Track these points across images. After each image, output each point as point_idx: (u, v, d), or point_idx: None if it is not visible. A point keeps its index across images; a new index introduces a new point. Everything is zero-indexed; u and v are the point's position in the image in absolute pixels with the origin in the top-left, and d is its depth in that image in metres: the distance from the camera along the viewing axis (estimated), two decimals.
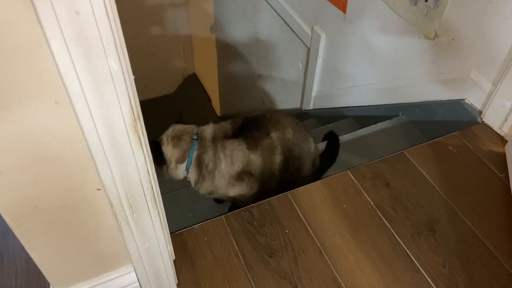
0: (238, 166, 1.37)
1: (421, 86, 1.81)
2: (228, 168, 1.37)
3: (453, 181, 1.36)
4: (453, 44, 1.59)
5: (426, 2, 1.63)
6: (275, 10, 2.77)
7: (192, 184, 1.44)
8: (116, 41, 0.60)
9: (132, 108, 0.68)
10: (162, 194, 1.71)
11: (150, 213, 0.86)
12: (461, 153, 1.44)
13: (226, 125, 1.44)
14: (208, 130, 1.42)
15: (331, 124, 2.30)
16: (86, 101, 0.62)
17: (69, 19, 0.54)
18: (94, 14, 0.55)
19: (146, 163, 0.77)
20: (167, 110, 5.14)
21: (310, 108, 2.74)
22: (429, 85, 1.77)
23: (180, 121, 1.56)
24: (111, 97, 0.64)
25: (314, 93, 2.64)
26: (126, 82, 0.64)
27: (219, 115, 4.99)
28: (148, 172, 0.79)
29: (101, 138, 0.67)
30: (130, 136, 0.70)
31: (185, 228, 1.25)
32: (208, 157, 1.37)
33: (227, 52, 4.13)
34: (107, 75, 0.61)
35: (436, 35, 1.63)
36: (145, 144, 0.75)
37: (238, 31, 3.69)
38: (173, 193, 1.71)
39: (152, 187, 0.82)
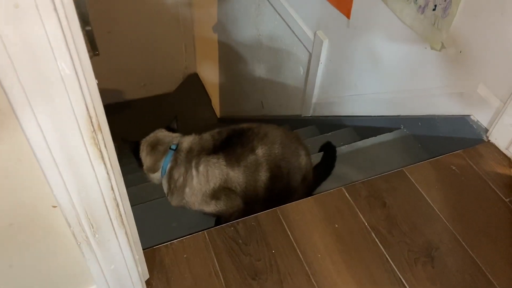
0: (214, 183, 1.28)
1: (425, 99, 1.72)
2: (201, 186, 1.29)
3: (455, 204, 1.27)
4: (460, 56, 1.50)
5: (434, 11, 1.54)
6: (278, 13, 2.68)
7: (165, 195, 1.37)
8: (68, 41, 0.51)
9: (90, 118, 0.59)
10: (147, 200, 1.64)
11: (115, 233, 0.77)
12: (465, 174, 1.34)
13: (207, 138, 1.35)
14: (187, 142, 1.34)
15: (329, 133, 2.21)
16: (32, 110, 0.53)
17: (6, 13, 0.45)
18: (37, 8, 0.46)
19: (109, 179, 0.68)
20: (166, 108, 5.06)
21: (310, 115, 2.65)
22: (434, 98, 1.67)
23: (173, 124, 1.47)
24: (62, 106, 0.55)
25: (314, 100, 2.55)
26: (82, 88, 0.55)
27: (218, 116, 4.91)
28: (112, 189, 0.70)
29: (52, 152, 0.58)
30: (88, 149, 0.62)
31: (163, 243, 1.16)
32: (179, 172, 1.30)
33: (228, 53, 4.05)
34: (57, 80, 0.52)
35: (443, 46, 1.54)
36: (109, 158, 0.67)
37: (240, 33, 3.61)
38: (160, 200, 1.62)
39: (117, 204, 0.73)
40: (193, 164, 1.28)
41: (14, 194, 0.65)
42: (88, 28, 2.78)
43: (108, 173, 0.67)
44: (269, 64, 3.16)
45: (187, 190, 1.29)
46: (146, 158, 1.35)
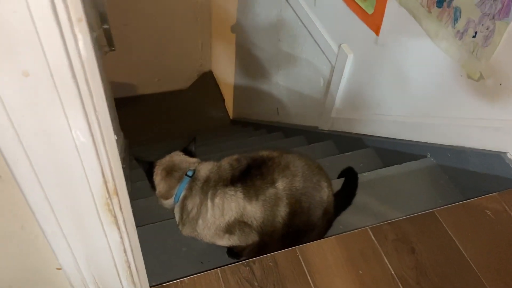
0: (229, 217, 1.20)
1: (456, 128, 1.62)
2: (215, 218, 1.20)
3: (488, 253, 1.18)
4: (500, 89, 1.39)
5: (474, 38, 1.44)
6: (301, 20, 2.58)
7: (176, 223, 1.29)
8: (85, 104, 0.43)
9: (106, 183, 0.51)
10: (157, 221, 1.56)
11: None
12: (500, 220, 1.25)
13: (226, 167, 1.26)
14: (204, 170, 1.26)
15: (349, 153, 2.12)
16: (37, 180, 0.45)
17: (14, 82, 0.37)
18: (51, 74, 0.38)
19: (122, 242, 0.60)
20: (179, 105, 5.00)
21: (328, 129, 2.55)
22: (466, 129, 1.57)
23: (191, 147, 1.38)
24: (75, 175, 0.47)
25: (333, 114, 2.45)
26: (99, 155, 0.47)
27: (231, 117, 4.83)
28: (125, 251, 0.62)
29: (60, 221, 0.50)
30: (101, 216, 0.54)
31: (173, 280, 1.08)
32: (193, 202, 1.22)
33: (246, 54, 3.95)
34: (70, 149, 0.44)
35: (481, 76, 1.44)
36: (124, 221, 0.58)
37: (259, 36, 3.51)
38: (171, 221, 1.55)
39: (129, 266, 0.65)
40: (209, 195, 1.20)
41: (17, 258, 0.57)
42: (105, 26, 2.71)
43: (121, 237, 0.59)
44: (288, 71, 3.07)
45: (200, 222, 1.21)
46: (159, 183, 1.26)
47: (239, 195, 1.18)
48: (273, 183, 1.19)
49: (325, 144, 2.46)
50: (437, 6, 1.57)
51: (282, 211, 1.20)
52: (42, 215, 0.49)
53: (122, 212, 0.57)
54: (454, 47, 1.51)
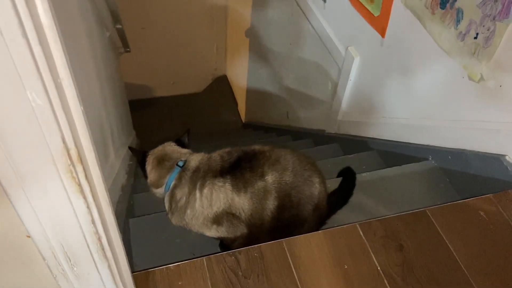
0: (217, 208, 1.20)
1: (457, 131, 1.60)
2: (203, 209, 1.21)
3: (479, 254, 1.16)
4: (500, 90, 1.38)
5: (475, 39, 1.43)
6: (311, 24, 2.60)
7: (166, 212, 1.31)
8: (41, 67, 0.44)
9: (67, 150, 0.52)
10: (153, 212, 1.58)
11: (96, 267, 0.70)
12: (493, 222, 1.23)
13: (216, 158, 1.28)
14: (194, 161, 1.27)
15: (352, 155, 2.11)
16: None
17: None
18: (1, 32, 0.40)
19: (89, 213, 0.61)
20: (193, 108, 5.05)
21: (334, 132, 2.55)
22: (467, 132, 1.55)
23: (184, 138, 1.40)
24: (35, 138, 0.49)
25: (340, 117, 2.45)
26: (58, 120, 0.49)
27: (243, 121, 4.86)
28: (93, 222, 0.63)
29: (23, 185, 0.52)
30: (65, 183, 0.55)
31: (159, 266, 1.10)
32: (182, 192, 1.23)
33: (258, 58, 3.99)
34: (27, 110, 0.46)
35: (482, 78, 1.42)
36: (91, 191, 0.60)
37: (272, 40, 3.53)
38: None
39: (99, 238, 0.66)
40: (198, 185, 1.21)
41: None
42: (118, 26, 2.77)
43: (88, 207, 0.60)
44: (298, 75, 3.08)
45: (188, 211, 1.22)
46: (151, 172, 1.29)
47: (228, 186, 1.19)
48: (262, 176, 1.20)
49: (330, 147, 2.46)
50: (440, 8, 1.56)
51: (271, 204, 1.20)
52: (5, 178, 0.51)
53: (88, 182, 0.59)
54: (456, 48, 1.50)
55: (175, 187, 1.25)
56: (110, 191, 1.44)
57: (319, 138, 2.74)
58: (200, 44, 4.85)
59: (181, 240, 1.43)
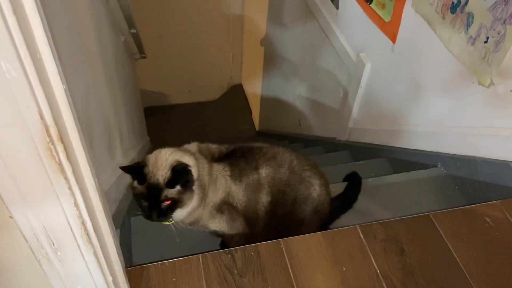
0: (220, 194, 1.19)
1: (467, 138, 1.56)
2: (212, 194, 1.20)
3: (484, 261, 1.12)
4: (510, 96, 1.34)
5: (485, 44, 1.40)
6: (323, 31, 2.59)
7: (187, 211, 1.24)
8: (16, 38, 0.45)
9: (46, 127, 0.52)
10: None
11: (81, 252, 0.70)
12: (500, 228, 1.18)
13: (213, 146, 1.28)
14: (193, 146, 1.25)
15: (361, 162, 2.08)
16: None
17: None
18: None
19: (72, 194, 0.61)
20: (208, 116, 5.08)
21: (345, 139, 2.52)
22: (476, 138, 1.52)
23: None
24: (9, 112, 0.49)
25: (350, 124, 2.43)
26: (35, 93, 0.49)
27: (257, 129, 4.86)
28: (76, 205, 0.63)
29: (3, 160, 0.52)
30: (44, 161, 0.55)
31: (154, 262, 1.09)
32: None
33: (273, 67, 4.00)
34: (1, 82, 0.46)
35: (492, 83, 1.39)
36: (73, 171, 0.60)
37: (286, 48, 3.54)
38: None
39: (83, 223, 0.66)
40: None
41: None
42: (133, 30, 2.80)
43: (70, 189, 0.60)
44: (310, 82, 3.07)
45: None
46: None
47: (227, 172, 1.19)
48: (256, 169, 1.20)
49: (340, 154, 2.43)
50: (450, 12, 1.54)
51: (264, 198, 1.20)
52: None
53: (70, 162, 0.59)
54: (466, 53, 1.48)
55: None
56: (113, 188, 1.46)
57: (330, 145, 2.71)
58: (216, 53, 4.90)
59: (181, 239, 1.42)
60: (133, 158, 2.23)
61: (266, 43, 4.10)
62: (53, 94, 0.53)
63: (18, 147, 0.52)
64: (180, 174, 1.09)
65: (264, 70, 4.31)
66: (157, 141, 3.81)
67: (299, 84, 3.29)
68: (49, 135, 0.53)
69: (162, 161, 1.11)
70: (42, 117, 0.51)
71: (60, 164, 0.57)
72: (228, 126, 4.99)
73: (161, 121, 4.78)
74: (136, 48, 3.31)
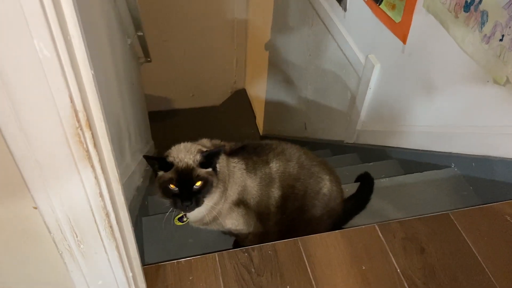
0: (237, 189, 1.18)
1: (482, 138, 1.55)
2: (230, 188, 1.18)
3: (505, 259, 1.09)
4: None
5: (501, 42, 1.38)
6: (330, 33, 2.58)
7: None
8: (49, 16, 0.43)
9: (75, 111, 0.51)
10: (169, 211, 1.56)
11: (104, 246, 0.68)
12: None
13: (221, 143, 1.27)
14: (205, 141, 1.25)
15: (371, 163, 2.06)
16: (6, 93, 0.46)
17: None
18: None
19: (97, 184, 0.59)
20: (211, 120, 5.07)
21: (353, 142, 2.50)
22: (491, 138, 1.50)
23: None
24: (40, 93, 0.47)
25: (359, 127, 2.41)
26: (66, 75, 0.47)
27: (261, 133, 4.85)
28: (101, 196, 0.61)
29: (30, 144, 0.50)
30: (72, 148, 0.53)
31: (170, 260, 1.07)
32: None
33: (277, 71, 3.99)
34: (33, 62, 0.44)
35: (508, 81, 1.37)
36: (99, 160, 0.58)
37: (290, 51, 3.53)
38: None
39: (107, 214, 0.64)
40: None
41: None
42: (139, 33, 2.79)
43: (96, 178, 0.59)
44: (316, 86, 3.06)
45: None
46: None
47: (242, 165, 1.18)
48: (267, 163, 1.19)
49: (348, 156, 2.42)
50: (464, 11, 1.53)
51: (276, 192, 1.19)
52: (10, 135, 0.49)
53: (97, 151, 0.57)
54: (481, 51, 1.46)
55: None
56: (123, 188, 1.44)
57: (337, 148, 2.69)
58: (220, 58, 4.90)
59: (194, 240, 1.40)
60: (140, 161, 2.22)
61: (271, 47, 4.10)
62: (82, 79, 0.52)
63: (47, 130, 0.50)
64: (215, 155, 1.08)
65: (269, 74, 4.30)
66: (161, 146, 3.80)
67: (305, 87, 3.28)
68: (78, 120, 0.52)
69: (187, 149, 1.11)
70: (72, 100, 0.50)
71: (87, 151, 0.55)
72: (232, 131, 4.97)
73: (165, 126, 4.77)
74: (141, 51, 3.30)
